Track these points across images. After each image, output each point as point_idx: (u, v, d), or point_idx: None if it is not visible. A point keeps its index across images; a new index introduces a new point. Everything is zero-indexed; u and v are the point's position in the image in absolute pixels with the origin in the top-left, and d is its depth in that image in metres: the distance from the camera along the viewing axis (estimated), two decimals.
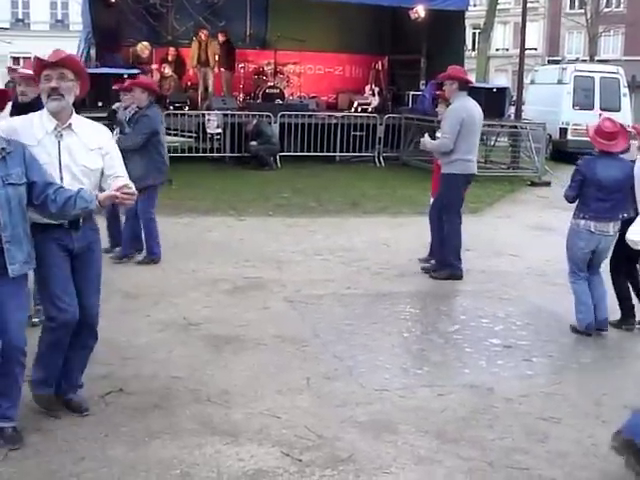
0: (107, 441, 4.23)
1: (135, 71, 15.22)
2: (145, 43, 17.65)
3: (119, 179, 4.34)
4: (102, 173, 4.39)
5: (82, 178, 4.28)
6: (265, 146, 16.06)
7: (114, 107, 8.83)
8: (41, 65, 4.29)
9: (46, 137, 4.23)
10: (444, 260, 8.03)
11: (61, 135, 4.26)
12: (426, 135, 8.40)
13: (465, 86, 8.01)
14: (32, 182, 4.06)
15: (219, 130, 16.12)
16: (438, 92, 8.83)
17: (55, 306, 4.29)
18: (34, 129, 4.25)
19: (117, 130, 8.18)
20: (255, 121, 16.24)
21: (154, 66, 17.66)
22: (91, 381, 4.90)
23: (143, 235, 8.36)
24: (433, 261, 8.29)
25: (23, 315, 4.28)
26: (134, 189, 4.22)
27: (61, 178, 4.21)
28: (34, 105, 4.87)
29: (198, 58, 17.59)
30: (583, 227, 6.25)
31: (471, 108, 7.92)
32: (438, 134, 8.45)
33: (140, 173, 7.73)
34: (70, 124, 4.30)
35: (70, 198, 4.05)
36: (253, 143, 15.94)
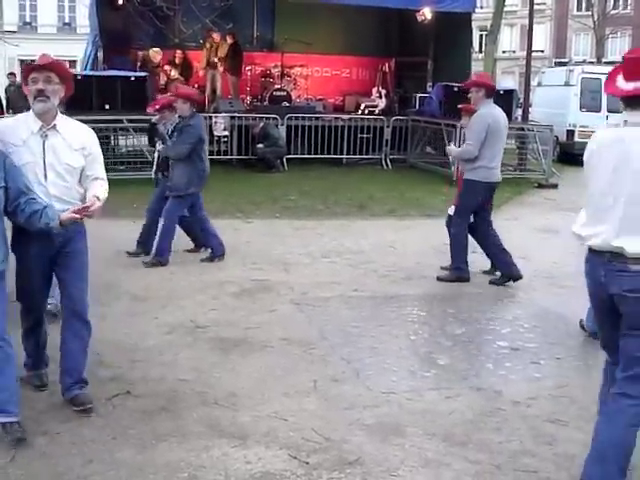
0: (115, 444, 4.24)
1: (143, 74, 15.31)
2: (157, 49, 17.68)
3: (96, 182, 4.58)
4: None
5: (65, 175, 4.50)
6: (272, 149, 16.06)
7: (153, 120, 8.93)
8: (29, 68, 4.53)
9: (31, 137, 4.44)
10: (453, 265, 8.02)
11: (46, 135, 4.46)
12: (451, 143, 8.35)
13: (491, 93, 7.91)
14: (7, 188, 4.23)
15: (226, 133, 16.14)
16: (460, 106, 8.66)
17: (27, 302, 4.71)
18: (20, 130, 4.45)
19: (159, 142, 8.50)
20: (262, 124, 16.25)
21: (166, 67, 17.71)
22: (98, 383, 4.92)
23: (157, 235, 8.44)
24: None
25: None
26: (96, 205, 4.35)
27: (45, 176, 4.44)
28: None
29: (207, 60, 17.62)
30: None
31: (497, 115, 7.85)
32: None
33: (183, 181, 8.20)
34: (55, 125, 4.49)
35: (36, 212, 4.29)
36: (260, 146, 15.95)
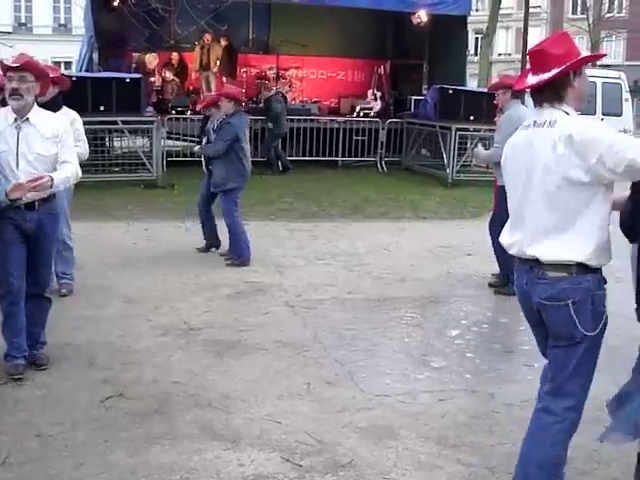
0: (107, 446, 4.22)
1: (137, 76, 15.28)
2: (153, 54, 17.70)
3: (62, 165, 4.99)
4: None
5: (36, 164, 4.88)
6: (271, 131, 16.02)
7: (207, 113, 9.19)
8: (4, 68, 4.98)
9: (7, 128, 4.87)
10: (502, 275, 7.80)
11: (20, 127, 4.89)
12: (479, 145, 8.20)
13: (517, 94, 7.89)
14: None
15: None
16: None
17: (8, 279, 4.97)
18: None
19: (205, 138, 8.81)
20: (268, 94, 16.21)
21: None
22: (91, 385, 4.91)
23: (228, 237, 8.67)
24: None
25: None
26: (42, 180, 4.69)
27: (17, 163, 4.83)
28: (50, 105, 5.67)
29: (200, 62, 17.61)
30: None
31: (526, 116, 7.78)
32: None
33: (222, 176, 8.41)
34: (27, 118, 4.91)
35: None
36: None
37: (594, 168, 3.21)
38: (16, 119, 4.88)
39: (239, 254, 8.50)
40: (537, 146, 3.38)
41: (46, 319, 5.36)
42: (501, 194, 7.70)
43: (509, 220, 3.67)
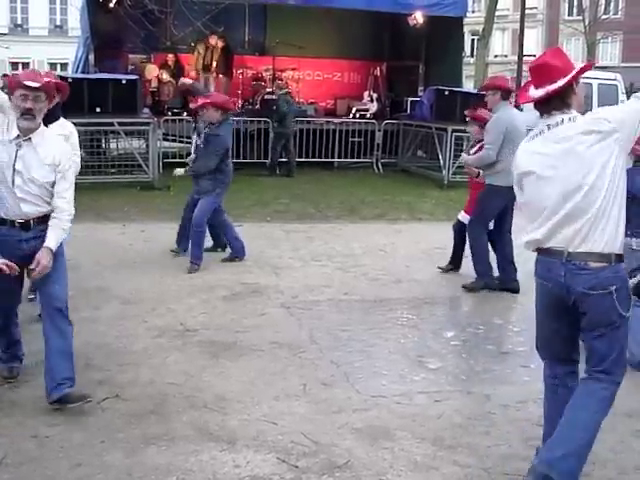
0: (103, 447, 4.23)
1: (133, 77, 15.28)
2: (154, 66, 17.73)
3: (54, 220, 4.67)
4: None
5: (30, 184, 4.60)
6: (278, 129, 16.07)
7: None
8: (19, 85, 4.58)
9: (7, 143, 4.58)
10: (477, 271, 7.94)
11: (20, 145, 4.58)
12: (464, 153, 8.15)
13: (508, 95, 7.87)
14: None
15: None
16: (466, 112, 8.47)
17: None
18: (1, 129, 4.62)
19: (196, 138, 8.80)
20: (279, 93, 16.28)
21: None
22: (87, 387, 4.90)
23: (192, 235, 8.45)
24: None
25: None
26: (44, 260, 4.54)
27: (13, 180, 4.57)
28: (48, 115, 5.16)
29: (202, 64, 17.60)
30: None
31: (515, 117, 7.79)
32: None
33: (210, 184, 8.38)
34: (30, 138, 4.61)
35: None
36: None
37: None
38: (18, 136, 4.57)
39: (198, 258, 8.33)
40: (565, 141, 3.70)
41: (71, 348, 4.79)
42: (490, 194, 7.81)
43: (532, 217, 3.89)
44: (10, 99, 4.69)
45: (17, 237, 4.64)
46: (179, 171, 8.77)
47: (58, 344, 4.69)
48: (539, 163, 3.79)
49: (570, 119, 3.74)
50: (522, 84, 3.81)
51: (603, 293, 3.69)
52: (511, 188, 7.71)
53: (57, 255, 4.73)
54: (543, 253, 3.86)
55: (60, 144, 4.90)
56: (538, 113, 3.86)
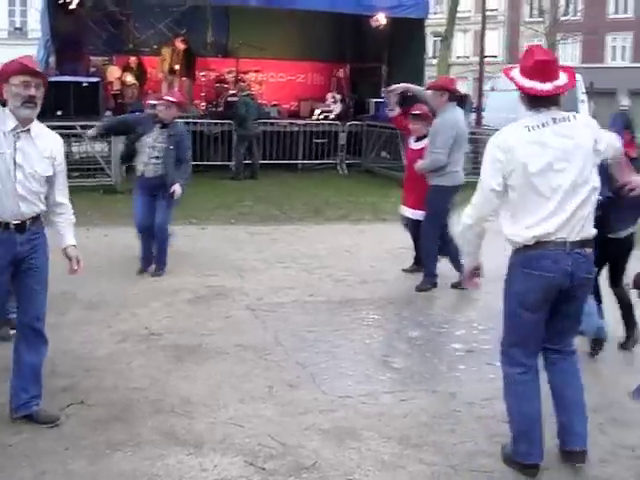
0: (68, 454, 4.19)
1: (95, 79, 15.15)
2: (116, 67, 17.58)
3: (65, 220, 4.79)
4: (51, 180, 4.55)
5: (32, 180, 4.39)
6: (239, 132, 16.03)
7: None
8: (21, 69, 4.38)
9: (4, 134, 4.30)
10: (428, 270, 8.03)
11: (18, 136, 4.33)
12: (419, 160, 8.03)
13: (455, 97, 7.94)
14: None
15: None
16: (417, 112, 8.39)
17: None
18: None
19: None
20: (238, 98, 16.20)
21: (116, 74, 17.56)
22: (52, 393, 4.85)
23: (159, 246, 8.31)
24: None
25: None
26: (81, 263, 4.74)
27: (15, 176, 4.31)
28: None
29: (168, 66, 17.49)
30: None
31: (461, 119, 7.89)
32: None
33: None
34: (29, 129, 4.38)
35: None
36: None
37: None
38: (16, 127, 4.31)
39: (165, 263, 8.26)
40: (576, 137, 3.92)
41: (41, 366, 4.68)
42: (439, 196, 7.85)
43: (529, 209, 3.97)
44: None
45: (12, 241, 4.37)
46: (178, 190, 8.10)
47: (31, 361, 4.57)
48: (551, 155, 3.88)
49: (574, 117, 3.99)
50: (512, 77, 3.89)
51: (591, 276, 4.13)
52: (456, 187, 7.88)
53: (43, 268, 4.64)
54: (545, 246, 3.94)
55: (56, 138, 4.63)
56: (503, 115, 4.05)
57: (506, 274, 4.23)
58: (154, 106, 8.47)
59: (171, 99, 8.20)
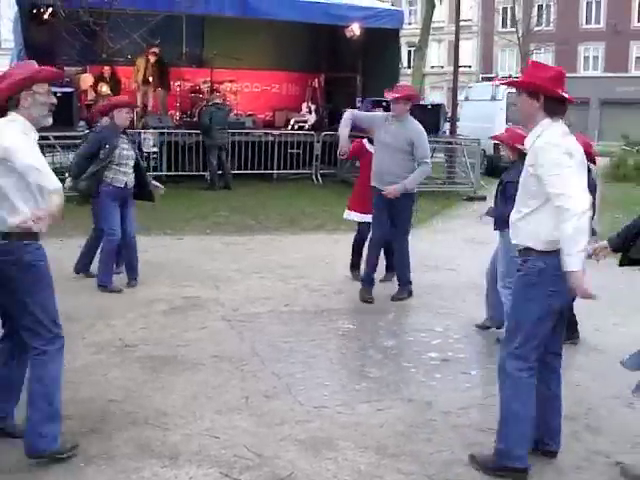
0: (41, 468, 4.14)
1: (69, 89, 15.06)
2: (88, 75, 17.49)
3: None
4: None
5: None
6: (206, 141, 15.96)
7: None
8: (50, 76, 4.49)
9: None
10: (404, 280, 8.10)
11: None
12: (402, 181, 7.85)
13: (414, 105, 8.12)
14: None
15: (155, 149, 15.95)
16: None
17: None
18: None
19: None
20: (202, 107, 16.06)
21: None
22: (26, 406, 4.79)
23: (129, 257, 8.31)
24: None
25: None
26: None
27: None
28: None
29: (143, 76, 17.41)
30: None
31: None
32: None
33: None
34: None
35: None
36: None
37: None
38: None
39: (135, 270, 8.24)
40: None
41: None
42: (412, 200, 7.94)
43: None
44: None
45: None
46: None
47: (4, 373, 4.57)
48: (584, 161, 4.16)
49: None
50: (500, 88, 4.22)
51: None
52: (415, 194, 8.04)
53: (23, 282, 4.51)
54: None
55: None
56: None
57: (528, 278, 4.11)
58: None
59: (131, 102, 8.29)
